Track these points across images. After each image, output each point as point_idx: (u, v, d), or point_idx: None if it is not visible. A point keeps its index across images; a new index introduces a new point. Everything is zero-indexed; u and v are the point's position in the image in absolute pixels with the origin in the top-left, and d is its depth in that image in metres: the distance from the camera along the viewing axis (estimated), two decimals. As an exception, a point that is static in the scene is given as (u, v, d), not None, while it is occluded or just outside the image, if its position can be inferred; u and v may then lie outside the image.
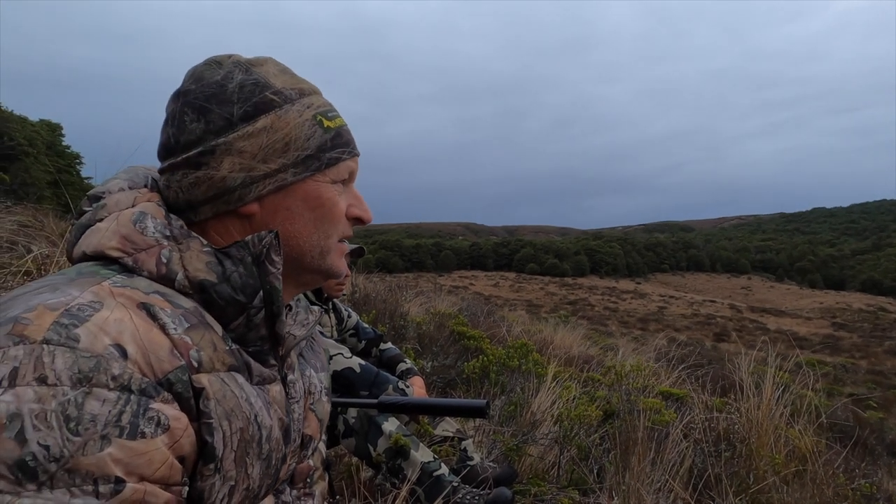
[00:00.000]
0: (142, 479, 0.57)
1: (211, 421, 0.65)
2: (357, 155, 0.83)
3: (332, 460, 2.31)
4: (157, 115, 0.78)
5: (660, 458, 2.45)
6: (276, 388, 0.78)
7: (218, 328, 0.70)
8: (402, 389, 2.13)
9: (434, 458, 2.00)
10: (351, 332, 2.60)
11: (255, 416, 0.72)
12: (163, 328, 0.63)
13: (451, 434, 2.39)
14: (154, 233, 0.70)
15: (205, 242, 0.72)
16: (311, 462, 0.93)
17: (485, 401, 1.30)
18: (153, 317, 0.63)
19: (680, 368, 4.47)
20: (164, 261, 0.69)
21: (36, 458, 0.51)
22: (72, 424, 0.53)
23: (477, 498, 1.95)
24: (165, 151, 0.76)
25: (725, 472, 2.58)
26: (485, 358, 3.66)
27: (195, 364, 0.65)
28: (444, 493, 1.89)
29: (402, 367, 2.56)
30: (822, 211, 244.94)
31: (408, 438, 1.97)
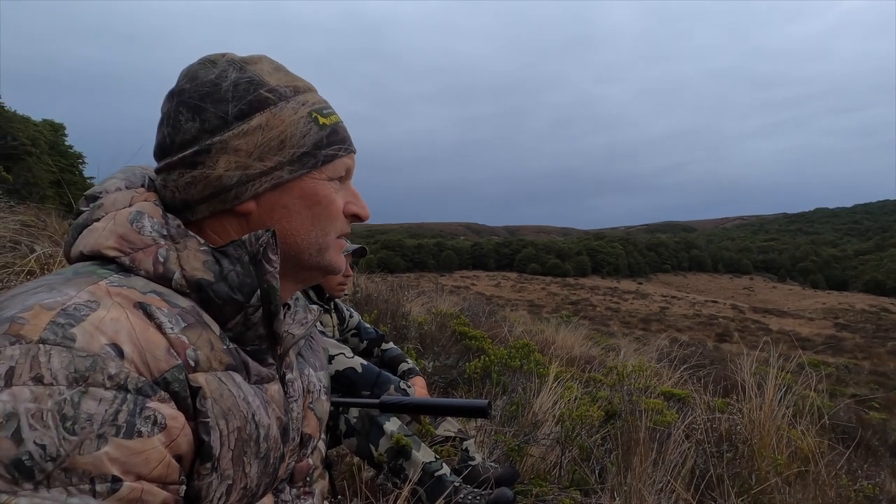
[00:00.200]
0: (139, 477, 0.57)
1: (208, 420, 0.65)
2: (353, 151, 0.83)
3: (333, 460, 2.31)
4: (158, 115, 0.78)
5: (662, 459, 2.44)
6: (274, 387, 0.77)
7: (215, 327, 0.70)
8: (404, 389, 2.13)
9: (436, 458, 2.00)
10: (353, 332, 2.60)
11: (253, 415, 0.71)
12: (159, 327, 0.63)
13: (452, 434, 2.38)
14: (151, 232, 0.70)
15: (202, 241, 0.72)
16: (310, 461, 0.93)
17: (486, 401, 1.29)
18: (150, 316, 0.63)
19: (682, 369, 4.45)
20: (161, 260, 0.68)
21: (32, 458, 0.51)
22: (68, 424, 0.53)
23: (478, 498, 1.95)
24: (161, 151, 0.76)
25: (727, 472, 2.57)
26: (486, 358, 3.65)
27: (192, 363, 0.65)
28: (446, 494, 1.89)
29: (403, 367, 2.56)
30: (824, 211, 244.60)
31: (409, 438, 1.97)
